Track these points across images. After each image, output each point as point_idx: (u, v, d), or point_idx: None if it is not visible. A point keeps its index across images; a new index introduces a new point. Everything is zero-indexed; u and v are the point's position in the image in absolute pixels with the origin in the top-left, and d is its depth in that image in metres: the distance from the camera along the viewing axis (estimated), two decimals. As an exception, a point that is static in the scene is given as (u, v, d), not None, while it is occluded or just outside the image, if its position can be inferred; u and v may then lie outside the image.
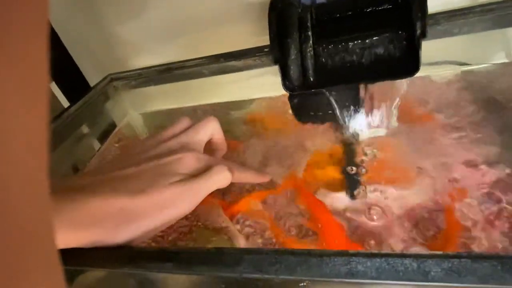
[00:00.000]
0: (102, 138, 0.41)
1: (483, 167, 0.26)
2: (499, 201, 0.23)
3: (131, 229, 0.18)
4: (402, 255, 0.12)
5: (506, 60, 0.34)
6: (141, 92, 0.44)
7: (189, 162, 0.21)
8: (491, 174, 0.25)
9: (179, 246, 0.18)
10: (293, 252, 0.13)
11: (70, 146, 0.37)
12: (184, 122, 0.25)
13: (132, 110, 0.45)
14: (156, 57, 0.44)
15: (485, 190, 0.24)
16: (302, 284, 0.13)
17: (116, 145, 0.41)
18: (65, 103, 0.41)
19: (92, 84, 0.43)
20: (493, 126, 0.29)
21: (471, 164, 0.26)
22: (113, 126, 0.42)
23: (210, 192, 0.21)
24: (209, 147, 0.26)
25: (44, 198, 0.10)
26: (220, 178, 0.21)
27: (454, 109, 0.32)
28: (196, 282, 0.15)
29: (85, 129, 0.40)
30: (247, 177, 0.25)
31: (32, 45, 0.08)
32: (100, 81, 0.42)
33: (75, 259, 0.16)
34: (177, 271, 0.14)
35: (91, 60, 0.44)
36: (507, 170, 0.25)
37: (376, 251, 0.13)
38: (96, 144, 0.40)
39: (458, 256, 0.12)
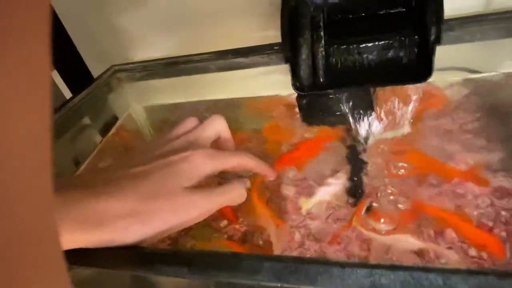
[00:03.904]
0: (104, 130, 0.40)
1: (485, 173, 0.26)
2: (497, 207, 0.24)
3: (141, 231, 0.17)
4: (427, 269, 0.12)
5: (514, 70, 0.34)
6: (144, 85, 0.43)
7: (198, 160, 0.21)
8: (491, 181, 0.25)
9: (194, 249, 0.18)
10: (314, 261, 0.13)
11: (71, 138, 0.37)
12: (191, 121, 0.25)
13: (135, 103, 0.44)
14: (161, 49, 0.43)
15: (485, 196, 0.24)
16: (322, 294, 0.12)
17: (116, 137, 0.40)
18: (67, 93, 0.40)
19: (95, 75, 0.42)
20: (497, 133, 0.29)
21: (473, 170, 0.26)
22: (115, 118, 0.42)
23: (222, 206, 0.21)
24: (217, 146, 0.26)
25: (48, 200, 0.10)
26: (236, 195, 0.22)
27: (460, 115, 0.32)
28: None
29: (86, 121, 0.39)
30: (259, 167, 0.25)
31: (34, 43, 0.08)
32: (104, 72, 0.41)
33: (85, 259, 0.16)
34: (192, 276, 0.14)
35: (95, 51, 0.43)
36: (508, 177, 0.25)
37: (399, 264, 0.12)
38: (98, 137, 0.40)
39: (484, 273, 0.12)
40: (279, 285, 0.12)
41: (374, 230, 0.21)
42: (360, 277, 0.12)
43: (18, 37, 0.08)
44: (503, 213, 0.23)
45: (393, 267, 0.12)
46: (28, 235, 0.09)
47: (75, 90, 0.38)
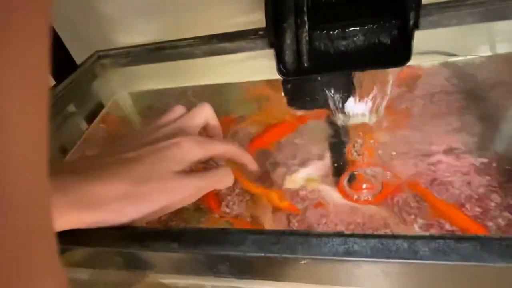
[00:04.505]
0: (90, 117, 0.40)
1: (461, 153, 0.27)
2: (474, 185, 0.25)
3: (134, 212, 0.18)
4: (394, 236, 0.13)
5: (489, 53, 0.35)
6: (130, 71, 0.42)
7: (187, 145, 0.22)
8: (468, 160, 0.27)
9: (184, 226, 0.19)
10: (293, 233, 0.14)
11: (57, 127, 0.37)
12: (179, 109, 0.26)
13: (121, 89, 0.44)
14: (144, 34, 0.42)
15: (461, 175, 0.26)
16: (303, 262, 0.14)
17: (102, 125, 0.40)
18: (50, 81, 0.40)
19: (78, 61, 0.41)
20: (473, 114, 0.31)
21: (450, 150, 0.28)
22: (100, 105, 0.41)
23: (211, 190, 0.22)
24: (205, 133, 0.26)
25: (45, 194, 0.10)
26: (224, 180, 0.22)
27: (438, 98, 0.34)
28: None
29: (72, 108, 0.39)
30: (244, 158, 0.25)
31: (34, 43, 0.09)
32: (87, 59, 0.40)
33: (79, 239, 0.16)
34: (182, 250, 0.15)
35: (77, 36, 0.42)
36: (483, 157, 0.26)
37: (370, 232, 0.14)
38: (84, 124, 0.39)
39: (443, 237, 0.13)
40: (262, 254, 0.14)
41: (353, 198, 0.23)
42: (336, 245, 0.13)
43: (19, 37, 0.08)
44: (480, 191, 0.24)
45: (365, 236, 0.13)
46: (25, 229, 0.09)
47: (58, 78, 0.38)
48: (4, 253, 0.08)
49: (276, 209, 0.23)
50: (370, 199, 0.23)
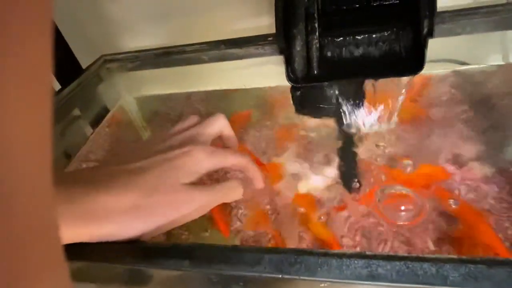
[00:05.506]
0: (95, 122, 0.39)
1: (469, 163, 0.26)
2: (484, 196, 0.24)
3: (142, 225, 0.17)
4: (421, 259, 0.12)
5: (502, 62, 0.34)
6: (136, 76, 0.42)
7: (198, 155, 0.21)
8: (477, 170, 0.26)
9: (195, 243, 0.18)
10: (313, 253, 0.13)
11: (62, 131, 0.36)
12: (192, 119, 0.25)
13: (126, 93, 0.43)
14: (151, 39, 0.42)
15: (469, 185, 0.25)
16: (322, 285, 0.13)
17: (107, 130, 0.39)
18: (56, 84, 0.39)
19: (84, 65, 0.41)
20: (483, 124, 0.30)
21: (458, 160, 0.27)
22: (106, 110, 0.41)
23: (220, 203, 0.21)
24: (220, 144, 0.26)
25: (48, 195, 0.10)
26: (233, 193, 0.22)
27: (448, 107, 0.33)
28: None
29: (77, 112, 0.38)
30: (253, 174, 0.24)
31: (35, 44, 0.08)
32: (93, 63, 0.40)
33: (86, 254, 0.16)
34: (193, 269, 0.14)
35: (83, 40, 0.42)
36: (492, 167, 0.26)
37: (394, 254, 0.13)
38: (88, 129, 0.39)
39: (474, 262, 0.12)
40: (280, 276, 0.13)
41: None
42: (358, 267, 0.13)
43: (20, 34, 0.08)
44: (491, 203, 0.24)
45: (389, 257, 0.13)
46: (28, 230, 0.09)
47: (64, 81, 0.37)
48: (5, 256, 0.08)
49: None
50: (410, 220, 0.22)
